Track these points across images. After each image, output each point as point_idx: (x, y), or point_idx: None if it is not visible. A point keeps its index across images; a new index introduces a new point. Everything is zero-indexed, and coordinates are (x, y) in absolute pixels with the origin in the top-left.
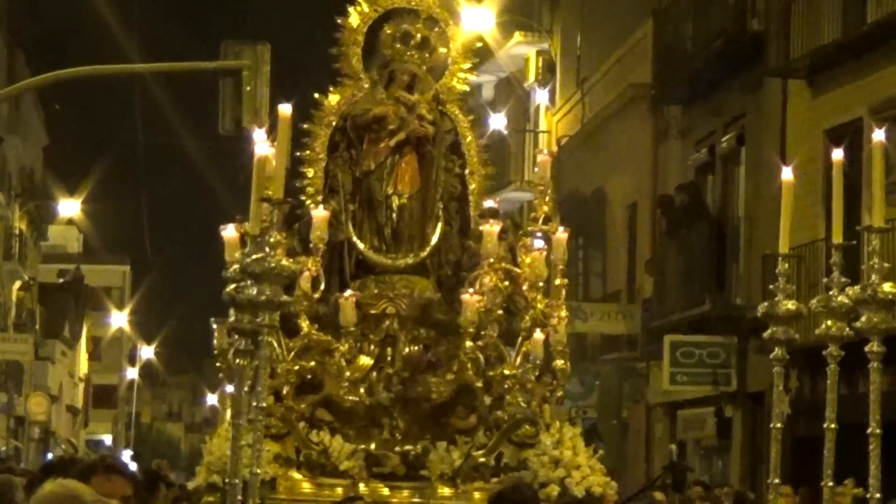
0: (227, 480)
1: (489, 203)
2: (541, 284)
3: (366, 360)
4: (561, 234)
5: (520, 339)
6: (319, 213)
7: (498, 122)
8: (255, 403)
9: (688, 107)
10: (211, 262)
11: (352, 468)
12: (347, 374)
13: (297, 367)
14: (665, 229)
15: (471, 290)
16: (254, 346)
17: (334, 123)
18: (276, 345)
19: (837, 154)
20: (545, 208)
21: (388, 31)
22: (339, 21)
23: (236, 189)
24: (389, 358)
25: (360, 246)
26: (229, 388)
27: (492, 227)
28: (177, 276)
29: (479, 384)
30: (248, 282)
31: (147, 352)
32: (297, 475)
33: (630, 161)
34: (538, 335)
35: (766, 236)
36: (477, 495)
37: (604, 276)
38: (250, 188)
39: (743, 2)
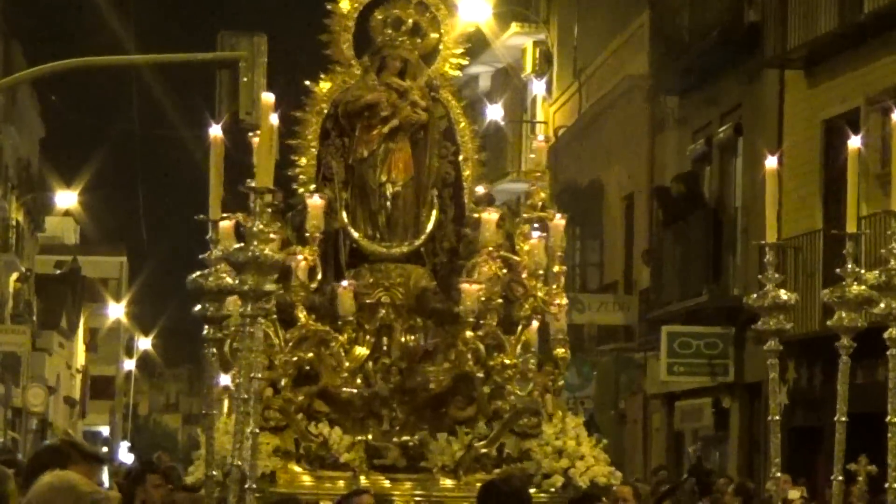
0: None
1: (480, 189)
2: (540, 272)
3: (361, 351)
4: (558, 221)
5: (519, 327)
6: (315, 202)
7: (495, 112)
8: (242, 394)
9: (685, 97)
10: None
11: (352, 460)
12: (347, 364)
13: (294, 358)
14: (662, 220)
15: (469, 279)
16: (220, 335)
17: (326, 111)
18: (273, 335)
19: (854, 142)
20: (542, 195)
21: (379, 17)
22: (329, 7)
23: (233, 180)
24: (385, 347)
25: (355, 234)
26: (224, 380)
27: (490, 215)
28: (174, 268)
29: (480, 374)
30: (214, 269)
31: (144, 343)
32: (296, 468)
33: (627, 151)
34: (535, 324)
35: (764, 227)
36: (479, 487)
37: (601, 266)
38: (244, 178)
39: None
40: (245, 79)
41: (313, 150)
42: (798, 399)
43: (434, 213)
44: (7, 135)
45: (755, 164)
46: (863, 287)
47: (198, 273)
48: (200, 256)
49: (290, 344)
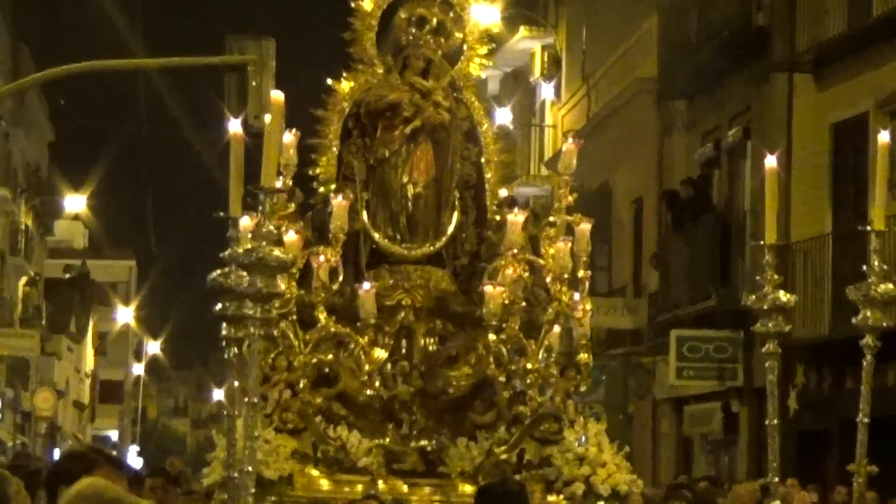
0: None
1: (503, 192)
2: (565, 276)
3: (380, 353)
4: (585, 226)
5: (542, 331)
6: (339, 202)
7: (504, 116)
8: (246, 399)
9: (693, 101)
10: (217, 256)
11: (370, 464)
12: (367, 367)
13: (314, 360)
14: (671, 223)
15: (492, 282)
16: (240, 334)
17: (347, 110)
18: (292, 337)
19: (884, 136)
20: (570, 198)
21: (403, 16)
22: (352, 5)
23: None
24: (404, 350)
25: (375, 236)
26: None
27: (517, 217)
28: (183, 271)
29: (502, 378)
30: (234, 267)
31: (153, 347)
32: (314, 472)
33: (635, 155)
34: (557, 329)
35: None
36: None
37: (609, 270)
38: (255, 180)
39: None
40: (254, 83)
41: (334, 149)
42: (807, 403)
43: (455, 214)
44: (16, 138)
45: (764, 167)
46: (889, 286)
47: (218, 271)
48: (221, 255)
49: (310, 345)
